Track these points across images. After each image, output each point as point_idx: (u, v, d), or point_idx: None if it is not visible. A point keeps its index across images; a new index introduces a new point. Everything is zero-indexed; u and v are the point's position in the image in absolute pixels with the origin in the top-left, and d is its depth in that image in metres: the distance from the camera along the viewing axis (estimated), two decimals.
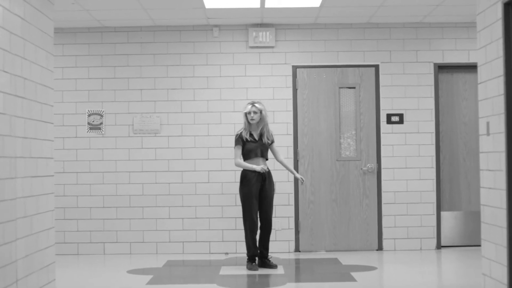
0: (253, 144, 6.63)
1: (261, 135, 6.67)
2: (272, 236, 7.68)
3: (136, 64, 7.88)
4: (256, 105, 6.65)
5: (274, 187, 6.79)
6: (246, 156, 6.65)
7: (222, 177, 7.74)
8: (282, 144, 7.79)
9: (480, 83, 5.12)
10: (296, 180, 7.78)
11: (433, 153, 7.82)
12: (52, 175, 5.09)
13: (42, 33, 4.91)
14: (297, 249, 7.79)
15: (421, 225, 7.81)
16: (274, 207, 6.83)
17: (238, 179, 6.89)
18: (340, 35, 7.89)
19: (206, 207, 7.80)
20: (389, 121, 7.84)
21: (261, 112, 6.64)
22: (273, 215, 6.91)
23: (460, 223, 7.96)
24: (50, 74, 5.11)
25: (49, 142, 5.06)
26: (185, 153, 7.83)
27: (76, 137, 7.85)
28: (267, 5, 7.04)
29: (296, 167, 7.79)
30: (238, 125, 7.23)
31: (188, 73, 7.87)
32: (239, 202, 6.95)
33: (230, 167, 7.49)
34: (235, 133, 6.79)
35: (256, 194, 6.57)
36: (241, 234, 7.17)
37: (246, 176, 6.59)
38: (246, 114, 6.65)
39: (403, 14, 7.49)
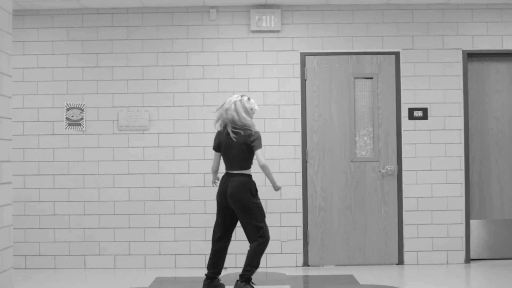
0: None
1: None
2: (277, 248, 6.75)
3: (121, 50, 6.89)
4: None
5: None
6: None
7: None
8: (289, 142, 6.81)
9: None
10: (305, 184, 6.81)
11: (461, 153, 6.83)
12: (9, 183, 4.09)
13: None
14: (305, 263, 6.80)
15: (448, 235, 6.82)
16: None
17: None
18: (355, 18, 6.89)
19: (201, 215, 6.82)
20: (411, 117, 6.85)
21: None
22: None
23: (491, 233, 6.97)
24: (6, 57, 4.11)
25: (5, 142, 4.06)
26: (178, 153, 6.84)
27: (53, 134, 6.86)
28: None
29: (304, 169, 6.81)
30: None
31: (181, 62, 6.88)
32: None
33: None
34: (257, 131, 5.39)
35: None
36: (241, 246, 6.16)
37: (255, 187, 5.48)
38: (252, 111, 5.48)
39: None
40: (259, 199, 5.38)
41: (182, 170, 6.83)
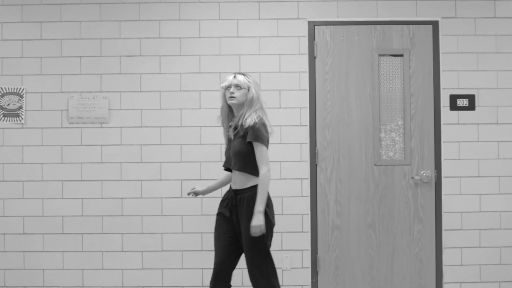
0: (228, 144, 4.09)
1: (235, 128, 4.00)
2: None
3: (73, 18, 5.23)
4: (239, 77, 4.02)
5: (256, 224, 3.84)
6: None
7: None
8: (293, 139, 5.17)
9: None
10: (314, 195, 5.17)
11: None
12: None
13: None
14: None
15: (501, 262, 5.19)
16: (269, 243, 3.97)
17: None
18: None
19: (177, 235, 5.18)
20: (453, 106, 5.21)
21: (248, 89, 4.01)
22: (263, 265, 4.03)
23: None
24: None
25: None
26: (147, 153, 5.19)
27: None
28: None
29: (313, 175, 5.16)
30: None
31: (151, 32, 5.22)
32: None
33: (215, 173, 4.88)
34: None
35: (224, 229, 4.05)
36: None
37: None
38: (225, 90, 4.06)
39: None
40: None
41: (152, 176, 5.19)
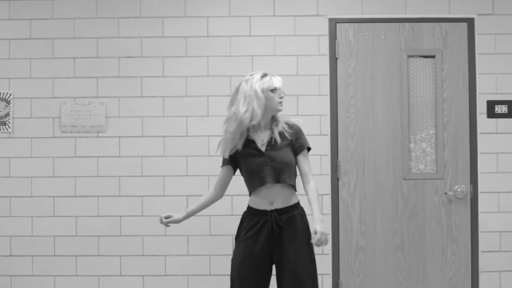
0: (257, 157, 3.47)
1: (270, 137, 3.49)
2: None
3: (66, 15, 4.71)
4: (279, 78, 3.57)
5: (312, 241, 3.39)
6: (248, 182, 3.54)
7: (211, 206, 4.47)
8: (312, 151, 4.57)
9: None
10: (335, 212, 4.63)
11: None
12: None
13: None
14: None
15: None
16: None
17: (240, 212, 3.72)
18: None
19: (183, 257, 4.63)
20: (491, 113, 4.67)
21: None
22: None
23: None
24: None
25: None
26: (148, 166, 4.65)
27: None
28: None
29: (335, 190, 4.62)
30: None
31: (153, 31, 4.69)
32: None
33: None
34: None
35: (256, 256, 3.43)
36: None
37: (243, 218, 3.55)
38: (270, 94, 3.50)
39: None
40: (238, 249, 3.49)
41: (155, 191, 4.64)
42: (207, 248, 4.61)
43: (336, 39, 4.69)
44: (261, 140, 3.46)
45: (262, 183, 3.40)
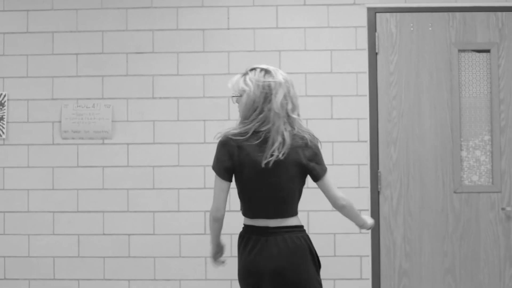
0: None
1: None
2: None
3: (67, 5, 4.19)
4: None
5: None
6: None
7: (233, 222, 3.87)
8: (348, 160, 4.06)
9: None
10: (376, 231, 4.05)
11: None
12: None
13: None
14: None
15: None
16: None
17: None
18: None
19: (200, 282, 4.08)
20: None
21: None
22: None
23: None
24: None
25: None
26: (161, 177, 4.10)
27: None
28: None
29: (375, 205, 4.03)
30: None
31: (166, 23, 4.16)
32: None
33: None
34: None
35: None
36: None
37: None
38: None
39: None
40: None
41: (169, 206, 4.09)
42: (227, 271, 4.03)
43: (376, 31, 4.11)
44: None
45: None
